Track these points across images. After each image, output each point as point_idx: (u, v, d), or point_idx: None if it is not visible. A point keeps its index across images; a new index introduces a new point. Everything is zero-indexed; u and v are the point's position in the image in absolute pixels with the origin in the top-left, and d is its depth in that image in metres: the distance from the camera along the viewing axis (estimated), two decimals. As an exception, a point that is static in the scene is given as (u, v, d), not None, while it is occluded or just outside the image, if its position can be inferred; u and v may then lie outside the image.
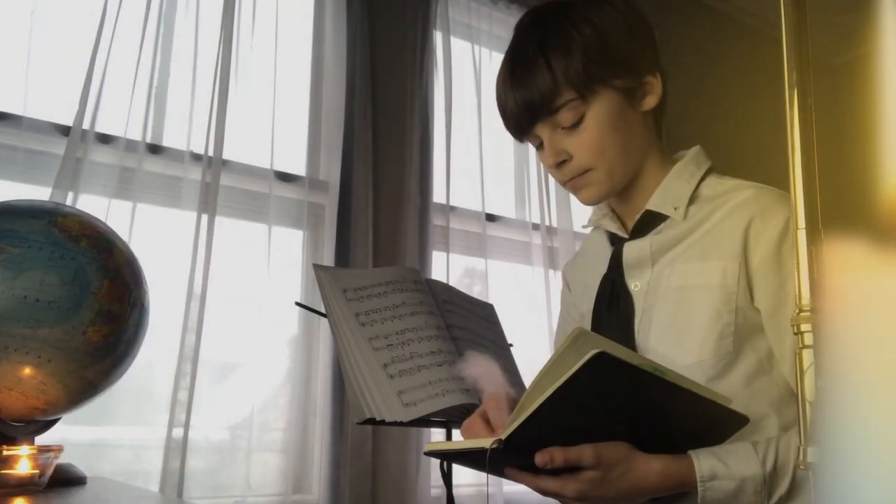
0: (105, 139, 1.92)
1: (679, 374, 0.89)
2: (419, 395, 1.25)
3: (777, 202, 1.05)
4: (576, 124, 1.07)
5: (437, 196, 2.44)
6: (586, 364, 0.78)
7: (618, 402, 0.87)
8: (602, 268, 1.17)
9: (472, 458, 0.96)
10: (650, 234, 1.13)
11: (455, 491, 1.52)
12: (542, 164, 1.21)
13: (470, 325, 1.47)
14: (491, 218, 2.58)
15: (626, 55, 1.09)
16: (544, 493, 0.93)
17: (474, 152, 2.55)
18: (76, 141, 1.84)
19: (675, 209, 1.10)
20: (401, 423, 1.23)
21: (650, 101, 1.11)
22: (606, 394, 0.84)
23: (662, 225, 1.12)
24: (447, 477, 1.02)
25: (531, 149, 2.78)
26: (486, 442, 0.84)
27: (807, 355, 0.60)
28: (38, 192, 1.82)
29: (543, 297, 2.57)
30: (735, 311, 1.03)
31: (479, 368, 1.09)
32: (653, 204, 1.12)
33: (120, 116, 1.93)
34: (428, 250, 2.35)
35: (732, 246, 1.04)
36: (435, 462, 2.19)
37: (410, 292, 1.37)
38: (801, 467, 0.58)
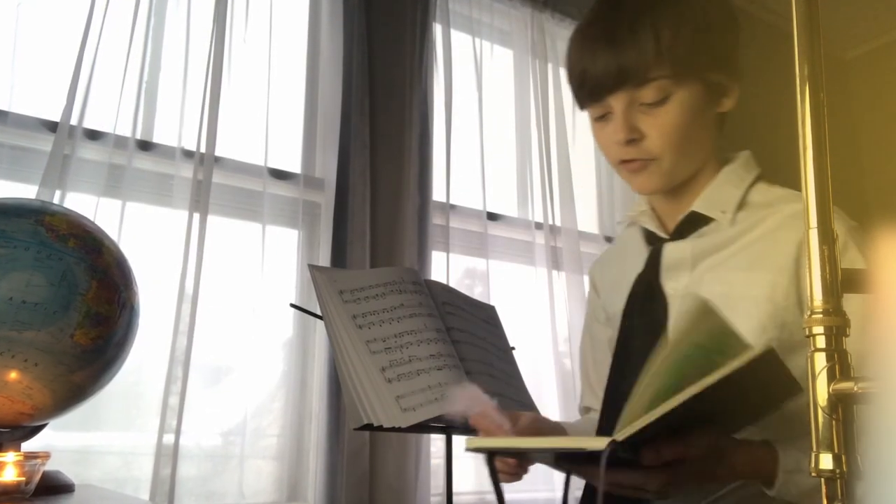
0: (93, 135, 1.88)
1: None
2: (418, 400, 1.22)
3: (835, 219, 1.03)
4: (656, 104, 1.04)
5: (437, 194, 2.40)
6: (751, 361, 0.73)
7: (730, 392, 0.81)
8: (637, 267, 1.14)
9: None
10: (692, 236, 1.10)
11: (455, 499, 1.49)
12: (596, 141, 1.14)
13: (471, 327, 1.45)
14: (492, 217, 2.54)
15: (725, 50, 1.07)
16: (619, 486, 0.86)
17: (475, 149, 2.52)
18: (64, 137, 1.80)
19: (723, 213, 1.08)
20: (399, 429, 1.21)
21: (727, 104, 1.10)
22: (733, 386, 0.78)
23: (705, 228, 1.10)
24: (497, 478, 0.95)
25: (534, 145, 2.75)
26: (598, 442, 0.77)
27: (818, 358, 0.58)
28: (24, 190, 1.79)
29: (546, 299, 2.53)
30: (781, 327, 1.00)
31: (464, 401, 1.04)
32: (699, 206, 1.10)
33: (109, 112, 1.90)
34: (427, 250, 2.31)
35: (784, 259, 1.01)
36: (435, 469, 2.16)
37: (409, 294, 1.36)
38: (813, 474, 0.56)
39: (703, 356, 0.78)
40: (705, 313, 0.78)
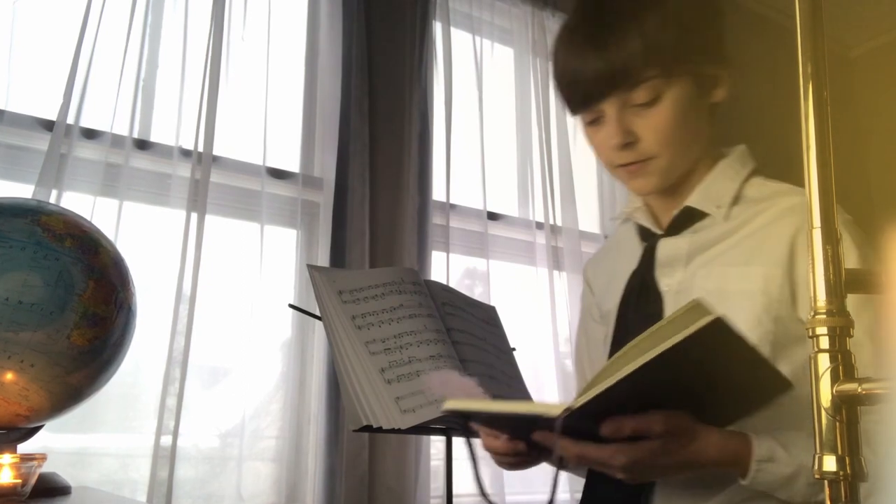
0: (90, 134, 1.87)
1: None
2: (418, 402, 1.22)
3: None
4: (648, 104, 1.03)
5: (437, 194, 2.39)
6: (703, 329, 0.73)
7: (695, 370, 0.82)
8: (631, 264, 1.14)
9: (502, 422, 0.91)
10: (687, 232, 1.10)
11: (455, 501, 1.48)
12: (590, 145, 1.13)
13: (471, 328, 1.44)
14: (493, 216, 2.53)
15: (712, 41, 1.06)
16: (586, 462, 0.88)
17: (475, 148, 2.51)
18: (60, 136, 1.79)
19: (718, 208, 1.08)
20: (398, 431, 1.20)
21: (719, 94, 1.09)
22: (695, 361, 0.79)
23: (699, 224, 1.09)
24: (470, 442, 0.97)
25: (534, 144, 2.74)
26: (554, 408, 0.80)
27: (822, 359, 0.57)
28: (20, 190, 1.78)
29: (547, 299, 2.52)
30: (775, 321, 0.99)
31: (441, 381, 1.08)
32: (693, 201, 1.09)
33: (106, 110, 1.89)
34: (427, 250, 2.30)
35: (777, 253, 1.01)
36: (435, 471, 2.15)
37: (409, 294, 1.35)
38: (817, 476, 0.56)
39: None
40: (695, 308, 0.78)
